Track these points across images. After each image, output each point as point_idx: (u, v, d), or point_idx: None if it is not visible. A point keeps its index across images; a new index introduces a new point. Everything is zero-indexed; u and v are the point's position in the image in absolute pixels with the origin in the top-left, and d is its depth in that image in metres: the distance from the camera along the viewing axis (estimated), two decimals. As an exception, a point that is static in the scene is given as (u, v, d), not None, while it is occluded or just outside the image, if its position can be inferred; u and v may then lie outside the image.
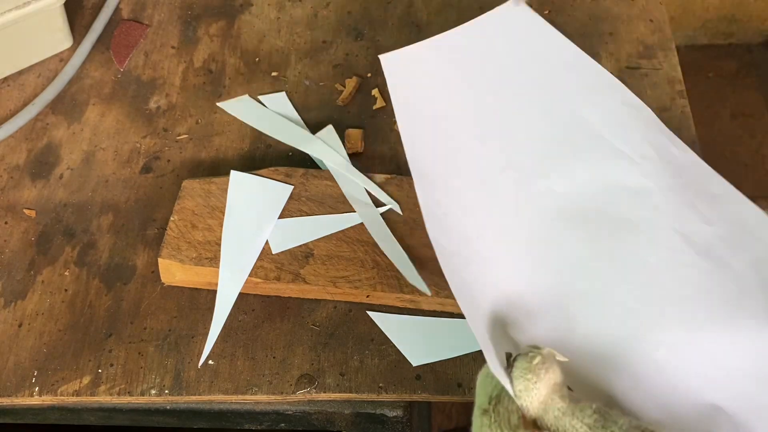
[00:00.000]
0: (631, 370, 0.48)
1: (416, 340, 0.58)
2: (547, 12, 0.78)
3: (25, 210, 0.68)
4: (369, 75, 0.75)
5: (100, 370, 0.59)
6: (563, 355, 0.43)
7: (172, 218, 0.63)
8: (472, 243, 0.51)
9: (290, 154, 0.69)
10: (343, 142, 0.68)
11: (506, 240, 0.52)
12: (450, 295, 0.58)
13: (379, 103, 0.72)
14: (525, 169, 0.54)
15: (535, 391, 0.41)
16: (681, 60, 0.74)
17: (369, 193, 0.64)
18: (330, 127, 0.69)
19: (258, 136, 0.71)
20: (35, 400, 0.59)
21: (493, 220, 0.52)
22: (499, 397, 0.42)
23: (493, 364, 0.43)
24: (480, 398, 0.43)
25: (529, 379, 0.41)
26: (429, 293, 0.58)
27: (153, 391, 0.58)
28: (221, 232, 0.62)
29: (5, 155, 0.72)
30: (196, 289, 0.62)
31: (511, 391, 0.42)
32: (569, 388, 0.43)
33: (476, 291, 0.49)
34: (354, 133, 0.69)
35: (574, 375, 0.45)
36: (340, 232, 0.62)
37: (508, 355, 0.43)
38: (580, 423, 0.40)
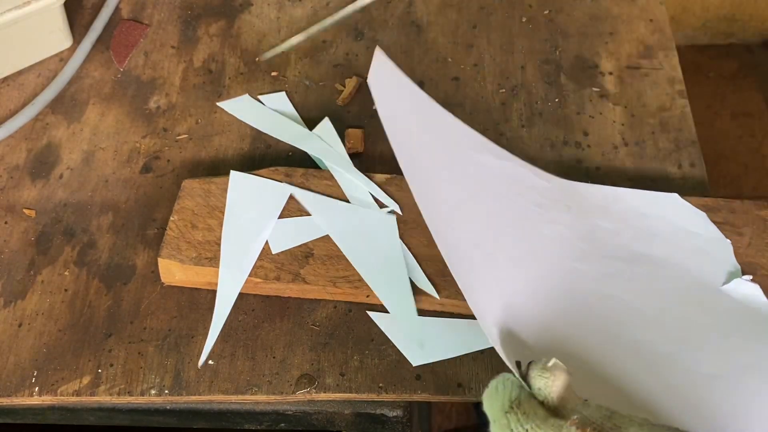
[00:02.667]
0: (652, 380, 0.52)
1: (416, 340, 0.58)
2: (547, 12, 0.78)
3: (24, 210, 0.68)
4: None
5: (99, 370, 0.59)
6: (568, 367, 0.46)
7: (171, 218, 0.63)
8: (473, 253, 0.53)
9: (290, 154, 0.69)
10: (343, 142, 0.68)
11: (509, 255, 0.55)
12: (450, 295, 0.59)
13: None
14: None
15: (554, 387, 0.44)
16: (681, 60, 0.74)
17: (370, 194, 0.64)
18: (326, 120, 0.69)
19: (258, 135, 0.71)
20: (35, 400, 0.59)
21: (493, 233, 0.55)
22: (519, 399, 0.45)
23: (512, 366, 0.46)
24: (495, 404, 0.45)
25: (546, 377, 0.44)
26: (438, 297, 0.59)
27: (153, 391, 0.58)
28: (221, 232, 0.62)
29: (5, 155, 0.72)
30: (196, 289, 0.62)
31: (527, 388, 0.45)
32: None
33: (484, 301, 0.51)
34: (354, 133, 0.69)
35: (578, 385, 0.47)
36: (340, 232, 0.62)
37: (518, 363, 0.46)
38: (599, 408, 0.43)
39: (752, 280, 0.58)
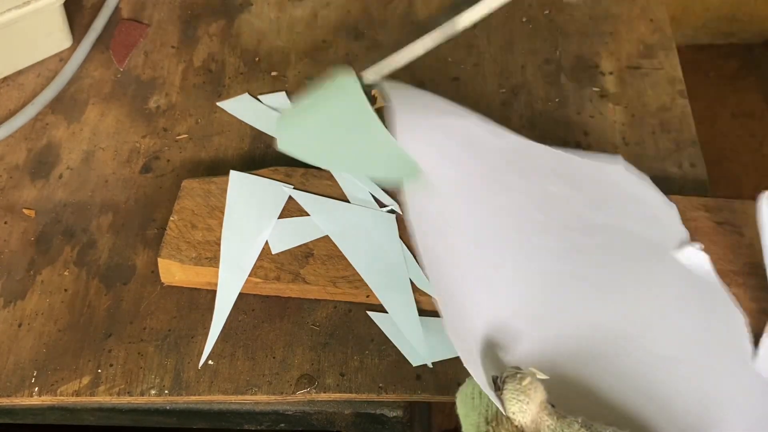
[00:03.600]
0: (616, 367, 0.51)
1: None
2: (547, 12, 0.78)
3: (24, 210, 0.68)
4: (369, 75, 0.75)
5: (99, 370, 0.59)
6: (543, 372, 0.46)
7: (171, 218, 0.63)
8: (460, 267, 0.52)
9: (290, 153, 0.69)
10: None
11: (493, 264, 0.53)
12: (450, 295, 0.59)
13: (379, 103, 0.72)
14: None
15: (528, 411, 0.44)
16: (681, 60, 0.74)
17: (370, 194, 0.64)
18: None
19: (258, 135, 0.71)
20: (35, 400, 0.59)
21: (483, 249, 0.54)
22: (496, 420, 0.44)
23: (485, 387, 0.45)
24: (470, 418, 0.45)
25: (521, 400, 0.44)
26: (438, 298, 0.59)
27: (153, 391, 0.58)
28: (221, 232, 0.62)
29: (5, 155, 0.72)
30: (196, 289, 0.62)
31: (502, 409, 0.44)
32: (552, 405, 0.45)
33: (464, 314, 0.50)
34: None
35: (556, 391, 0.47)
36: (340, 232, 0.62)
37: (495, 378, 0.46)
38: None
39: (754, 281, 0.58)
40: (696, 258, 0.57)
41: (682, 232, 0.59)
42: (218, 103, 0.73)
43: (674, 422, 0.49)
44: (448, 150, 0.54)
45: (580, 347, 0.52)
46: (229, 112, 0.73)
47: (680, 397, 0.50)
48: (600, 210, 0.58)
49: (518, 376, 0.44)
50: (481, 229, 0.54)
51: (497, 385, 0.45)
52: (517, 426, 0.44)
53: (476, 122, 0.57)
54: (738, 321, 0.55)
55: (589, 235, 0.56)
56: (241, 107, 0.73)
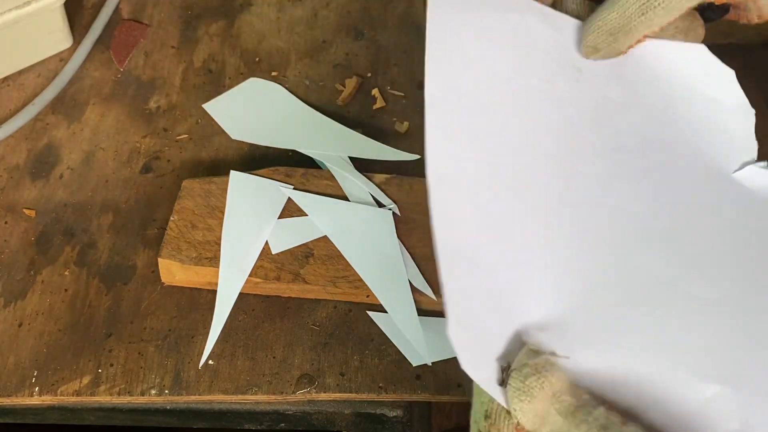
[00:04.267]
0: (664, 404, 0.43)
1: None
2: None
3: (24, 210, 0.68)
4: (369, 75, 0.75)
5: (100, 370, 0.59)
6: (564, 354, 0.40)
7: (172, 218, 0.63)
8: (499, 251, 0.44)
9: (290, 154, 0.69)
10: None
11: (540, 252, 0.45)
12: (450, 295, 0.58)
13: (380, 103, 0.72)
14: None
15: (531, 409, 0.39)
16: (681, 60, 0.74)
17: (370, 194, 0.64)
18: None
19: (258, 136, 0.71)
20: (35, 400, 0.59)
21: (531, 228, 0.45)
22: (497, 415, 0.40)
23: (485, 383, 0.40)
24: (474, 407, 0.42)
25: (522, 399, 0.39)
26: (435, 298, 0.59)
27: (153, 391, 0.58)
28: (221, 232, 0.62)
29: (5, 155, 0.72)
30: (196, 288, 0.62)
31: (505, 405, 0.40)
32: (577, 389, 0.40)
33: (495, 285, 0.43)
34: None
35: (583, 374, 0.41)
36: (340, 232, 0.62)
37: (504, 368, 0.41)
38: None
39: None
40: (760, 178, 0.49)
41: (751, 147, 0.50)
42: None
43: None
44: (487, 52, 0.46)
45: (620, 294, 0.44)
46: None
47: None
48: (661, 121, 0.49)
49: (524, 371, 0.40)
50: (516, 163, 0.45)
51: (504, 374, 0.40)
52: (517, 422, 0.40)
53: (527, 9, 0.48)
54: None
55: (643, 156, 0.48)
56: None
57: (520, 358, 0.41)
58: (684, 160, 0.49)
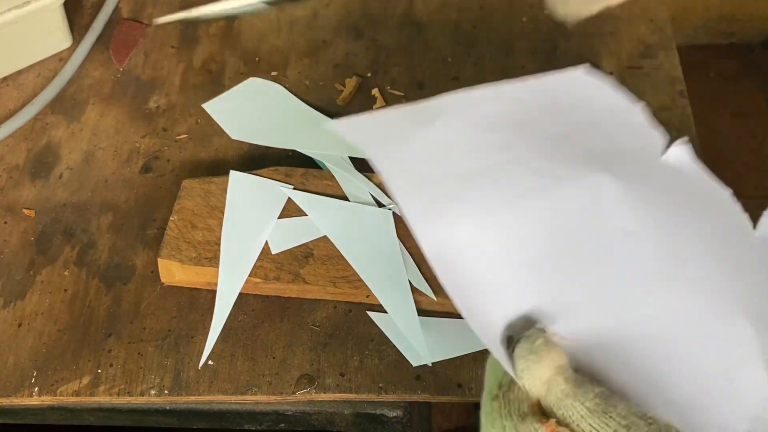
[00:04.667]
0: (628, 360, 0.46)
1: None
2: (547, 12, 0.78)
3: (24, 210, 0.68)
4: (369, 75, 0.75)
5: (99, 371, 0.59)
6: (568, 337, 0.42)
7: (171, 218, 0.63)
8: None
9: (290, 154, 0.69)
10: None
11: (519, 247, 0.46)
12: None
13: (380, 103, 0.72)
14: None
15: (537, 371, 0.41)
16: (682, 60, 0.74)
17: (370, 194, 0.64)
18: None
19: (258, 135, 0.71)
20: (34, 401, 0.59)
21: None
22: (510, 384, 0.42)
23: (494, 348, 0.42)
24: (490, 383, 0.43)
25: (531, 359, 0.41)
26: (435, 298, 0.58)
27: (152, 392, 0.58)
28: (221, 232, 0.62)
29: (5, 155, 0.72)
30: (196, 289, 0.62)
31: (512, 372, 0.41)
32: (576, 371, 0.42)
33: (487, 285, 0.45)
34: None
35: (583, 359, 0.43)
36: (340, 232, 0.62)
37: (510, 339, 0.42)
38: (580, 405, 0.40)
39: None
40: (683, 155, 0.51)
41: (660, 129, 0.52)
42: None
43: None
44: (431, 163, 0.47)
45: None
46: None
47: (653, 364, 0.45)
48: (591, 136, 0.51)
49: (533, 337, 0.41)
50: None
51: (510, 344, 0.42)
52: (522, 386, 0.41)
53: (449, 112, 0.49)
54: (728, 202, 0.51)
55: (594, 171, 0.50)
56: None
57: (531, 330, 0.42)
58: (619, 162, 0.52)
